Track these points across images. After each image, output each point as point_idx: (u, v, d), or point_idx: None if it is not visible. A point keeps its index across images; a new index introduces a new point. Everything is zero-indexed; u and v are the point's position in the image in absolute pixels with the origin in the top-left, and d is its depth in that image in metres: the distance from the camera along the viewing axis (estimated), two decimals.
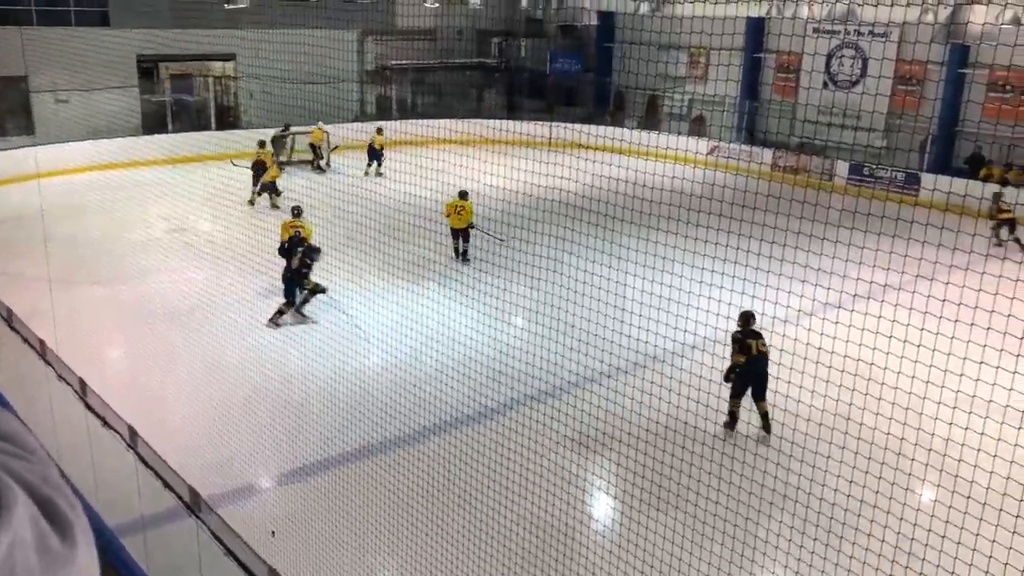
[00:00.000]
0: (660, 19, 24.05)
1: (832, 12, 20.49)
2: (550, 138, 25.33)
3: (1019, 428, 6.75)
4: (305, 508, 8.19)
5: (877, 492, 7.02)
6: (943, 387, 7.00)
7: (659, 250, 8.89)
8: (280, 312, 12.54)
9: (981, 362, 6.99)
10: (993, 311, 6.89)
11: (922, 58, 23.07)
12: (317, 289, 12.81)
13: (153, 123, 25.43)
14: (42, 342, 7.87)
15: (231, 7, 21.64)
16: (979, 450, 6.61)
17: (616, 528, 8.24)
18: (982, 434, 6.79)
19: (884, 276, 7.81)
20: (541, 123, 26.77)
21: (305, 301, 12.82)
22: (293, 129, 23.42)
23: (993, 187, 18.69)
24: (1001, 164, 21.31)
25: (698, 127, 28.13)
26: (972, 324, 7.04)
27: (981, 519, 6.32)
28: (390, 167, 21.10)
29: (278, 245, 13.10)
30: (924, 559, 6.33)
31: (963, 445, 6.77)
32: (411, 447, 9.29)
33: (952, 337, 6.99)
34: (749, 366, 9.59)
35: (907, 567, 6.45)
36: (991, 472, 6.56)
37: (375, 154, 22.70)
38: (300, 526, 7.80)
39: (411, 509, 7.95)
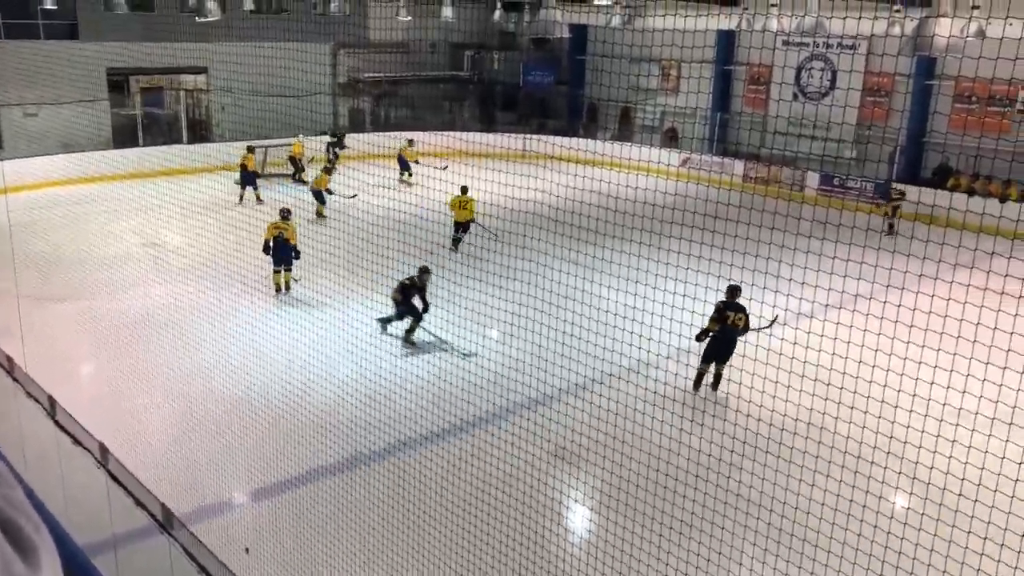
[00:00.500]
0: (632, 32, 24.21)
1: (801, 25, 20.69)
2: (523, 150, 25.44)
3: (989, 435, 6.84)
4: (279, 524, 8.12)
5: (851, 500, 7.07)
6: (914, 395, 7.08)
7: (632, 261, 8.93)
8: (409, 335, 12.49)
9: (951, 370, 7.07)
10: (962, 319, 6.98)
11: (890, 70, 23.41)
12: (417, 315, 12.47)
13: (124, 137, 25.19)
14: (10, 359, 7.75)
15: (202, 20, 21.49)
16: (950, 457, 6.68)
17: (591, 539, 8.23)
18: (953, 441, 6.86)
19: (855, 286, 7.89)
20: (514, 135, 26.89)
21: (412, 328, 12.51)
22: (267, 142, 23.37)
23: (960, 195, 18.99)
24: (968, 174, 21.65)
25: (670, 139, 28.33)
26: (942, 332, 7.12)
27: (953, 526, 6.39)
28: (364, 180, 21.06)
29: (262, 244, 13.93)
30: (897, 567, 6.38)
31: (935, 452, 6.84)
32: (385, 461, 9.24)
33: (922, 345, 7.07)
34: (721, 334, 10.52)
35: (880, 575, 6.49)
36: (963, 479, 6.63)
37: (405, 164, 23.52)
38: (274, 542, 7.73)
39: (387, 524, 7.90)
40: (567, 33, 29.00)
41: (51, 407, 6.87)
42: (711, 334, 10.57)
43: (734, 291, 10.56)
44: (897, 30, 18.03)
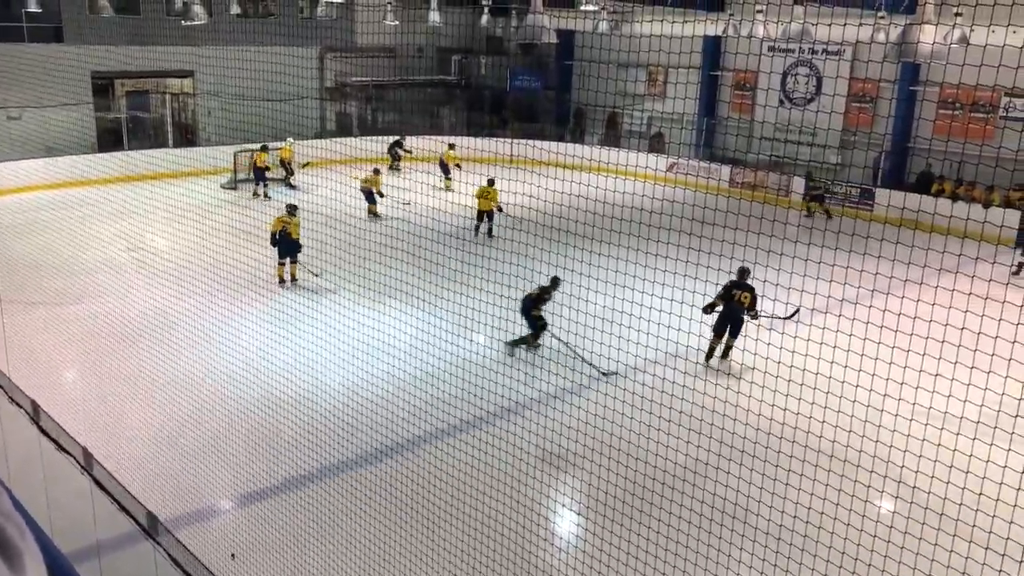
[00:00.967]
0: (619, 38, 24.27)
1: (787, 31, 20.81)
2: (511, 155, 25.42)
3: (974, 439, 6.87)
4: (266, 529, 8.07)
5: (837, 504, 7.09)
6: (900, 400, 7.10)
7: (619, 266, 8.94)
8: (531, 344, 12.28)
9: (936, 375, 7.10)
10: (948, 324, 7.02)
11: (875, 76, 23.57)
12: (539, 328, 12.16)
13: (109, 140, 25.06)
14: None
15: (188, 24, 21.42)
16: (935, 461, 6.71)
17: (579, 544, 8.22)
18: (938, 445, 6.89)
19: (841, 290, 7.92)
20: (501, 140, 26.90)
21: (535, 336, 12.28)
22: (255, 146, 23.30)
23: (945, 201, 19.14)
24: (952, 179, 21.81)
25: (657, 144, 28.40)
26: (927, 337, 7.16)
27: (939, 529, 6.42)
28: (348, 182, 21.06)
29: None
30: (884, 571, 6.40)
31: (920, 457, 6.87)
32: (372, 467, 9.20)
33: (907, 351, 7.10)
34: (728, 311, 11.71)
35: None
36: (947, 483, 6.66)
37: (446, 168, 24.02)
38: (261, 548, 7.69)
39: (373, 530, 7.87)
40: (554, 38, 29.04)
41: (34, 412, 6.82)
42: (717, 309, 11.66)
43: (743, 272, 11.42)
44: (882, 36, 18.14)
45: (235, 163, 23.32)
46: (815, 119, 23.62)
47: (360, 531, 7.81)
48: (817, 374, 7.23)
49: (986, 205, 19.21)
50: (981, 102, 21.70)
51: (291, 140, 23.29)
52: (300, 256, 15.10)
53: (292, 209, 15.17)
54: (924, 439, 6.90)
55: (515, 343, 12.16)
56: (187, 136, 26.71)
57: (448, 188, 23.35)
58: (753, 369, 8.28)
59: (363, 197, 20.09)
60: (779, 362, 7.31)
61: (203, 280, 12.79)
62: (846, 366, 7.28)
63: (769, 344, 8.30)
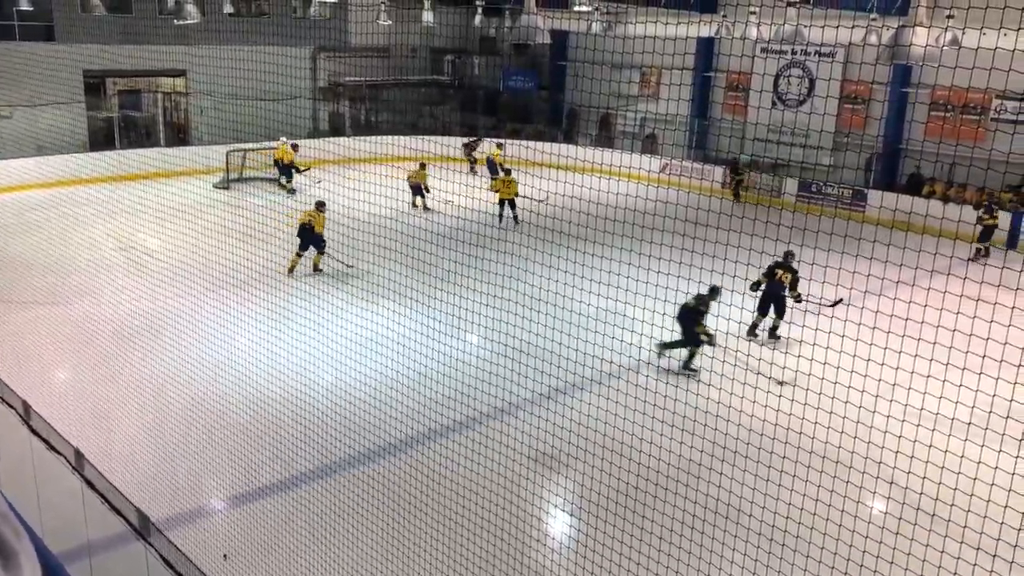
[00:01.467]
0: (612, 39, 24.27)
1: (779, 33, 20.84)
2: (503, 156, 25.42)
3: (965, 440, 6.90)
4: (258, 530, 8.05)
5: (829, 505, 7.10)
6: (891, 401, 7.13)
7: (612, 266, 8.94)
8: (688, 365, 11.44)
9: (928, 375, 7.13)
10: (939, 326, 7.04)
11: (867, 78, 23.63)
12: (705, 342, 11.13)
13: (100, 139, 24.97)
14: None
15: (181, 23, 21.35)
16: (927, 462, 6.73)
17: (571, 544, 8.23)
18: (929, 446, 6.92)
19: (833, 292, 7.94)
20: (495, 140, 26.92)
21: (691, 354, 11.42)
22: (248, 146, 23.24)
23: (937, 202, 19.20)
24: (943, 181, 21.90)
25: (650, 145, 28.44)
26: (919, 339, 7.18)
27: (931, 530, 6.44)
28: (346, 184, 21.04)
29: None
30: (875, 571, 6.42)
31: (912, 457, 6.89)
32: (365, 467, 9.19)
33: (900, 351, 7.13)
34: (769, 290, 12.01)
35: None
36: (939, 483, 6.69)
37: (494, 168, 24.25)
38: (253, 549, 7.67)
39: (366, 530, 7.86)
40: (548, 39, 29.08)
41: (25, 412, 6.79)
42: (761, 287, 12.02)
43: (787, 255, 11.82)
44: (874, 39, 18.19)
45: (227, 163, 23.23)
46: (808, 120, 23.69)
47: (353, 531, 7.81)
48: (809, 375, 7.25)
49: (977, 207, 19.30)
50: (973, 104, 21.78)
51: (284, 139, 23.20)
52: (328, 249, 15.71)
53: (320, 205, 15.86)
54: (915, 440, 6.92)
55: (668, 345, 11.36)
56: (179, 135, 26.63)
57: (494, 189, 23.42)
58: (746, 370, 8.30)
59: (409, 191, 20.74)
60: (771, 363, 7.32)
61: (195, 280, 12.76)
62: (838, 367, 7.30)
63: (763, 345, 8.32)
